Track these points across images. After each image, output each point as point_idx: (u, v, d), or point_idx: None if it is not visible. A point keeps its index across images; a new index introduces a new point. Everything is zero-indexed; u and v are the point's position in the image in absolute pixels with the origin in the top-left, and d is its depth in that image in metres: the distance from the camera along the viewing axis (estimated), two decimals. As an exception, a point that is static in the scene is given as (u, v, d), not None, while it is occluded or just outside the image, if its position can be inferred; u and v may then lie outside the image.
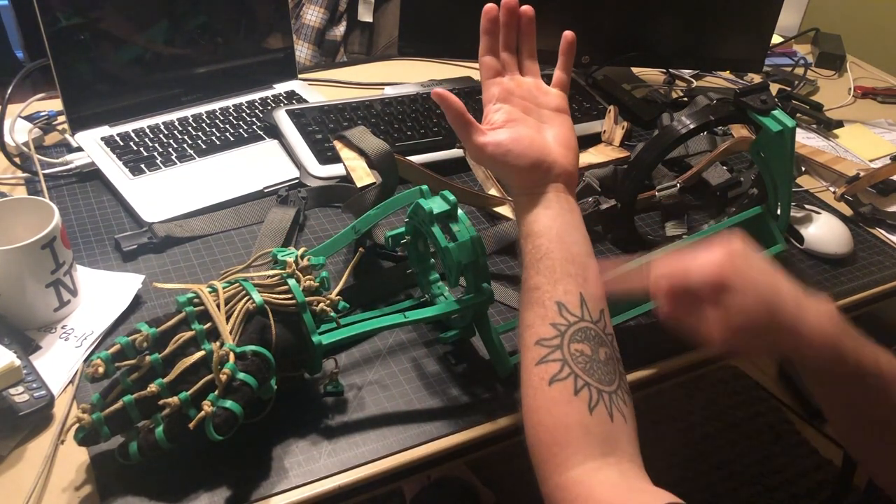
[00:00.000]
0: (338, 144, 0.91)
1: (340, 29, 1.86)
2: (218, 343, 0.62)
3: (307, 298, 0.66)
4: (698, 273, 0.57)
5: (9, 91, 1.00)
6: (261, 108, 1.14)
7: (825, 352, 0.58)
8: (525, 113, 0.68)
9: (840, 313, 0.60)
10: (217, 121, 1.10)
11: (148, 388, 0.60)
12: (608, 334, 0.60)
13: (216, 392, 0.60)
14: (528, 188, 0.65)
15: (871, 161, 1.18)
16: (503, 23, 0.69)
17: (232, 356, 0.61)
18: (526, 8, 0.70)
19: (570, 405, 0.55)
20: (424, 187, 0.73)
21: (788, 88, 1.36)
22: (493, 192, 0.97)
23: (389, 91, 1.18)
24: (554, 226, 0.63)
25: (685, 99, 1.27)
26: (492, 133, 0.66)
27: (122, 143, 1.03)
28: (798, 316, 0.57)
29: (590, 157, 1.05)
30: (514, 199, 0.67)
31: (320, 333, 0.67)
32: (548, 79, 0.71)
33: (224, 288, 0.65)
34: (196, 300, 0.64)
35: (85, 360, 0.73)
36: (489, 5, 0.69)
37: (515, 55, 0.71)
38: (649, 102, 1.25)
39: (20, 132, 1.03)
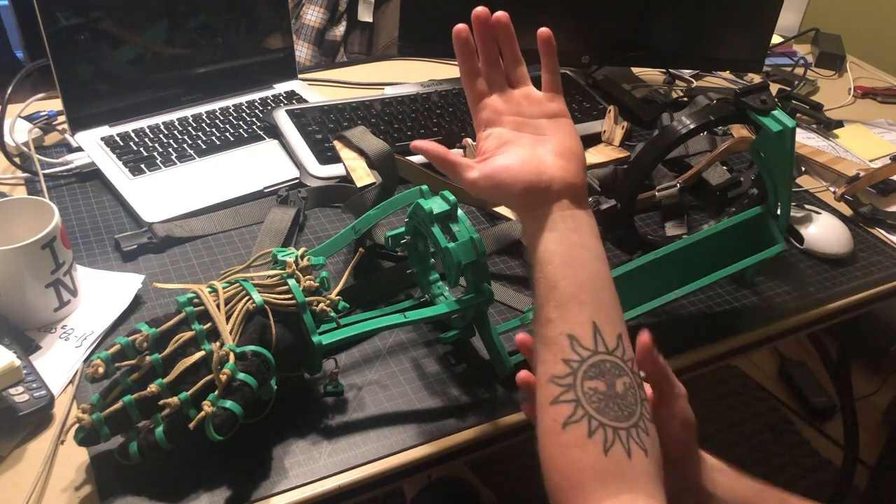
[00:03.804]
0: (338, 144, 0.91)
1: (340, 29, 1.86)
2: (218, 343, 0.62)
3: (307, 298, 0.66)
4: None
5: (9, 91, 1.00)
6: (261, 108, 1.14)
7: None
8: (518, 130, 0.63)
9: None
10: (217, 121, 1.10)
11: (148, 389, 0.60)
12: (627, 360, 0.57)
13: (216, 392, 0.60)
14: (529, 211, 0.61)
15: (871, 161, 1.18)
16: (480, 39, 0.64)
17: (232, 356, 0.61)
18: (499, 14, 0.63)
19: (583, 449, 0.53)
20: (424, 187, 0.73)
21: (788, 88, 1.36)
22: (493, 192, 0.96)
23: (389, 91, 1.18)
24: (560, 250, 0.59)
25: (685, 99, 1.27)
26: (480, 166, 0.62)
27: (122, 143, 1.03)
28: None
29: (590, 157, 1.05)
30: (521, 224, 0.63)
31: (320, 333, 0.67)
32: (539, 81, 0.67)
33: (224, 288, 0.65)
34: (196, 300, 0.64)
35: (85, 360, 0.73)
36: (460, 26, 0.62)
37: (499, 67, 0.65)
38: (649, 102, 1.25)
39: (20, 132, 1.03)
